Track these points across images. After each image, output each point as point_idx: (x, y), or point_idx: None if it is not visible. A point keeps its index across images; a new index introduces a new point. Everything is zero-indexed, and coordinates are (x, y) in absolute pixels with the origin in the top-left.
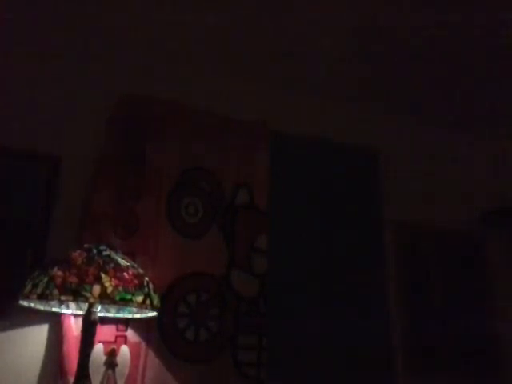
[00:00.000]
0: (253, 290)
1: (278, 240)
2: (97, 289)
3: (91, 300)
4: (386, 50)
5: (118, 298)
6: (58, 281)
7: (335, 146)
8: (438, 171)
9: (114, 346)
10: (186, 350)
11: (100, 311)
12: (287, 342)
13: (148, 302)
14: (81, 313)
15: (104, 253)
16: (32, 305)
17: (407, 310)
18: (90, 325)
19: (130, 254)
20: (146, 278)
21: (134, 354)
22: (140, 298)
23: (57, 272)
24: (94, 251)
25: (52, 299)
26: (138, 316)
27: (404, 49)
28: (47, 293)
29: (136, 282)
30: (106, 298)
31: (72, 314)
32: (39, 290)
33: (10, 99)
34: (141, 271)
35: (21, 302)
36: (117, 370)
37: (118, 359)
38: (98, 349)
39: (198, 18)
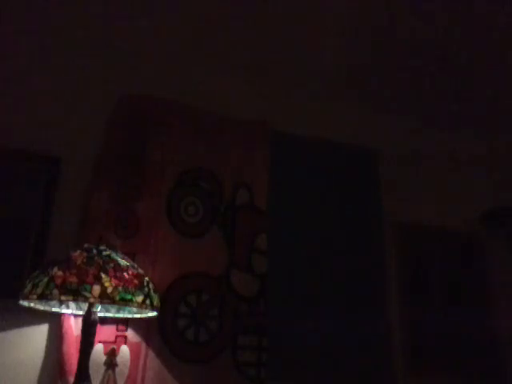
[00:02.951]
0: (253, 289)
1: (277, 240)
2: (97, 289)
3: (91, 300)
4: (385, 50)
5: (118, 298)
6: (58, 281)
7: (335, 145)
8: (437, 171)
9: (114, 346)
10: (186, 350)
11: (100, 311)
12: (287, 342)
13: (148, 302)
14: (81, 313)
15: (104, 253)
16: (32, 305)
17: (407, 309)
18: (89, 325)
19: (130, 254)
20: (146, 278)
21: (134, 354)
22: (140, 298)
23: (57, 272)
24: (94, 251)
25: (52, 299)
26: (137, 316)
27: (404, 49)
28: (47, 293)
29: (136, 282)
30: (106, 298)
31: (72, 314)
32: (39, 290)
33: (10, 99)
34: (141, 271)
35: (21, 302)
36: (117, 369)
37: (118, 359)
38: (98, 349)
39: (198, 18)
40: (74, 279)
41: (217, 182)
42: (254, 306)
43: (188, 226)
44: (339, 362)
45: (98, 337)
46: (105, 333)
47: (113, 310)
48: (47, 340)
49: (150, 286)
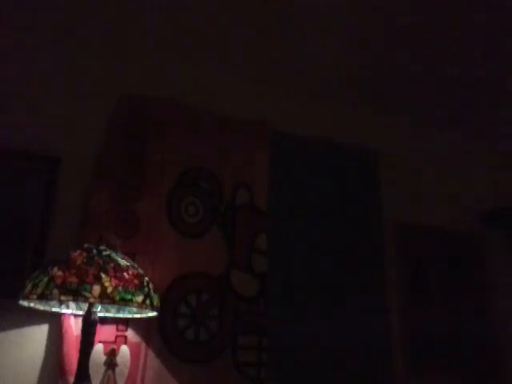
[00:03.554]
0: (253, 289)
1: (277, 240)
2: (97, 289)
3: (91, 300)
4: (385, 50)
5: (118, 297)
6: (58, 281)
7: (335, 145)
8: (437, 171)
9: (114, 346)
10: (186, 350)
11: (100, 311)
12: (287, 342)
13: (148, 302)
14: (81, 313)
15: (104, 253)
16: (32, 305)
17: (407, 309)
18: (90, 325)
19: (130, 254)
20: (146, 278)
21: (134, 354)
22: (140, 298)
23: (57, 272)
24: (94, 251)
25: (52, 299)
26: (137, 316)
27: (404, 49)
28: (47, 293)
29: (136, 282)
30: (106, 298)
31: (72, 314)
32: (39, 290)
33: (9, 99)
34: (141, 271)
35: (21, 302)
36: (117, 369)
37: (118, 359)
38: (98, 349)
39: (197, 17)
40: (73, 279)
41: (217, 182)
42: (254, 306)
43: (188, 226)
44: (339, 362)
45: (98, 337)
46: (105, 333)
47: (113, 310)
48: (47, 340)
49: (150, 285)
